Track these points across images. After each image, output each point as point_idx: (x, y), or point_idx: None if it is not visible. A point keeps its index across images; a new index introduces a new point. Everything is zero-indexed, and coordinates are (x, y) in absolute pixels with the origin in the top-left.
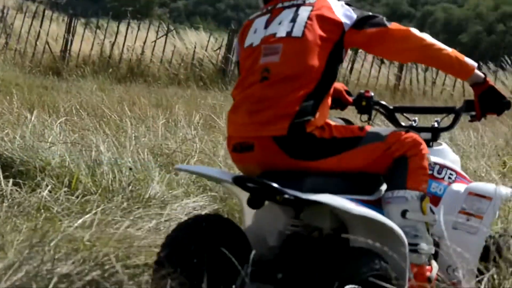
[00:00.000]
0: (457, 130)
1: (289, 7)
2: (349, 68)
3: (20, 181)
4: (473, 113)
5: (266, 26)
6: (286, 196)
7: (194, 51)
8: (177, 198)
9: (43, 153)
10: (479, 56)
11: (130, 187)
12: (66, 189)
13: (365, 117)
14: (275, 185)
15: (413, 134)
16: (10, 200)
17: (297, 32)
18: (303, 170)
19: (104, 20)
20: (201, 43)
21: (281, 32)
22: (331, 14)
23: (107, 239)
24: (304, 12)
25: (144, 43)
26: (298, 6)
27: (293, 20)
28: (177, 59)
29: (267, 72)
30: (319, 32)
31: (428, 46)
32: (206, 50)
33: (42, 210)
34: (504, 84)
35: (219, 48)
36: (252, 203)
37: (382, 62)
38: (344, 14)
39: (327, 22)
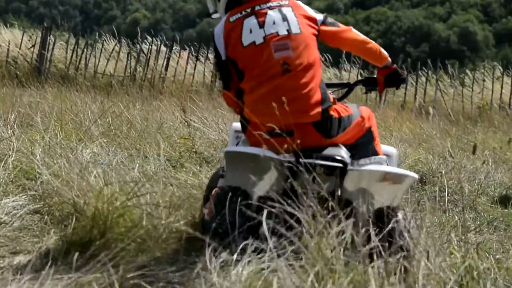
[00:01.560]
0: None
1: (271, 8)
2: (164, 65)
3: None
4: (372, 87)
5: (261, 26)
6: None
7: (8, 49)
8: None
9: None
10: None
11: None
12: None
13: None
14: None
15: (367, 108)
16: None
17: (295, 29)
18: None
19: None
20: (14, 41)
21: (282, 31)
22: (308, 12)
23: None
24: (288, 12)
25: None
26: (279, 7)
27: (285, 19)
28: None
29: (287, 65)
30: (308, 28)
31: (363, 41)
32: (20, 48)
33: None
34: None
35: (33, 46)
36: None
37: (197, 59)
38: (313, 12)
39: (309, 19)
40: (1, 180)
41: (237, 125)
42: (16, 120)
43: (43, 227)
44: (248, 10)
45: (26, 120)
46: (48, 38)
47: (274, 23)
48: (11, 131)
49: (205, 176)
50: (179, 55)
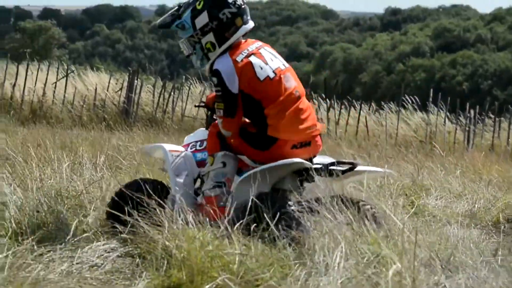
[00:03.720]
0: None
1: (258, 49)
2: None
3: None
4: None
5: (266, 63)
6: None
7: (96, 92)
8: (88, 241)
9: None
10: (381, 95)
11: (39, 230)
12: None
13: None
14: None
15: None
16: None
17: (285, 63)
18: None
19: (2, 62)
20: (102, 84)
21: (281, 66)
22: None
23: (19, 283)
24: (271, 50)
25: (45, 84)
26: (262, 47)
27: (275, 56)
28: (79, 100)
29: (298, 92)
30: None
31: None
32: (107, 91)
33: None
34: (408, 123)
35: (121, 89)
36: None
37: None
38: None
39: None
40: (92, 222)
41: (169, 146)
42: (105, 163)
43: (135, 270)
44: (246, 52)
45: (115, 163)
46: (135, 81)
47: (271, 59)
48: (100, 173)
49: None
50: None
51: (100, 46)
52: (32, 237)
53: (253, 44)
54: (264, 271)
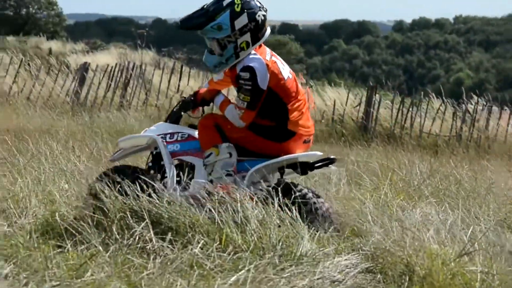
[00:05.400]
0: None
1: (272, 51)
2: (486, 125)
3: (171, 237)
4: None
5: (284, 65)
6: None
7: (334, 107)
8: (328, 256)
9: (190, 209)
10: None
11: (280, 244)
12: (217, 245)
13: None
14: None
15: None
16: (162, 256)
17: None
18: None
19: None
20: (340, 99)
21: (290, 70)
22: None
23: None
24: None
25: None
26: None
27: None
28: (317, 115)
29: (306, 94)
30: None
31: None
32: (345, 107)
33: (195, 267)
34: None
35: (359, 104)
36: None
37: None
38: None
39: None
40: (333, 238)
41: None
42: (345, 178)
43: (376, 286)
44: (269, 53)
45: (354, 178)
46: (374, 97)
47: (283, 64)
48: (335, 189)
49: None
50: (500, 115)
51: (337, 61)
52: (274, 251)
53: (267, 48)
54: None
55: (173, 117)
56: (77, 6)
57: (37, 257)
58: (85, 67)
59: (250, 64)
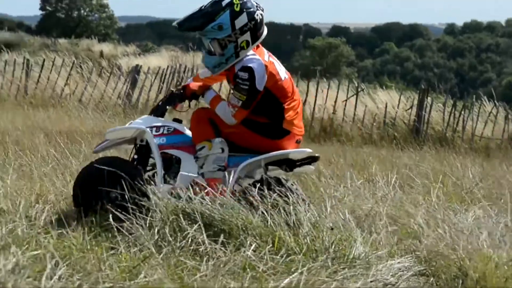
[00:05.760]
0: None
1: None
2: None
3: (224, 239)
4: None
5: (280, 65)
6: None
7: (386, 110)
8: (381, 259)
9: (243, 212)
10: None
11: (333, 247)
12: (269, 247)
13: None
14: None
15: None
16: (215, 259)
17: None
18: None
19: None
20: (391, 102)
21: (286, 71)
22: None
23: None
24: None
25: (335, 102)
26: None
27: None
28: (369, 118)
29: (299, 95)
30: None
31: None
32: (397, 110)
33: (248, 269)
34: None
35: (411, 107)
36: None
37: None
38: None
39: None
40: (386, 241)
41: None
42: (397, 181)
43: None
44: (267, 54)
45: (406, 181)
46: (425, 100)
47: (280, 64)
48: (393, 192)
49: None
50: None
51: (389, 64)
52: (327, 254)
53: (264, 49)
54: None
55: (159, 111)
56: (128, 8)
57: (90, 259)
58: (137, 70)
59: (250, 65)
